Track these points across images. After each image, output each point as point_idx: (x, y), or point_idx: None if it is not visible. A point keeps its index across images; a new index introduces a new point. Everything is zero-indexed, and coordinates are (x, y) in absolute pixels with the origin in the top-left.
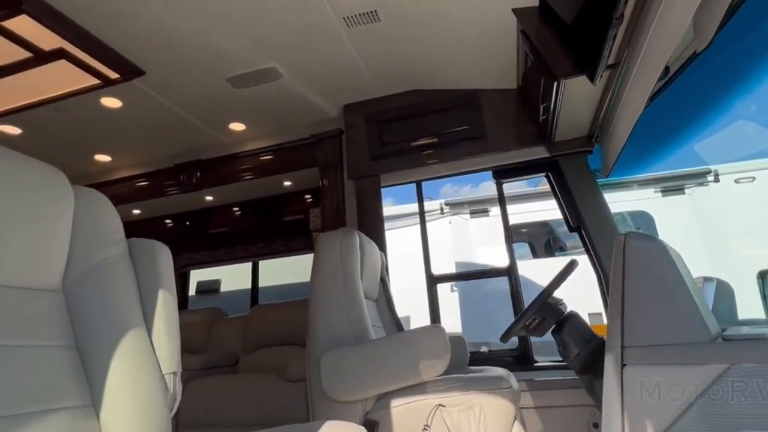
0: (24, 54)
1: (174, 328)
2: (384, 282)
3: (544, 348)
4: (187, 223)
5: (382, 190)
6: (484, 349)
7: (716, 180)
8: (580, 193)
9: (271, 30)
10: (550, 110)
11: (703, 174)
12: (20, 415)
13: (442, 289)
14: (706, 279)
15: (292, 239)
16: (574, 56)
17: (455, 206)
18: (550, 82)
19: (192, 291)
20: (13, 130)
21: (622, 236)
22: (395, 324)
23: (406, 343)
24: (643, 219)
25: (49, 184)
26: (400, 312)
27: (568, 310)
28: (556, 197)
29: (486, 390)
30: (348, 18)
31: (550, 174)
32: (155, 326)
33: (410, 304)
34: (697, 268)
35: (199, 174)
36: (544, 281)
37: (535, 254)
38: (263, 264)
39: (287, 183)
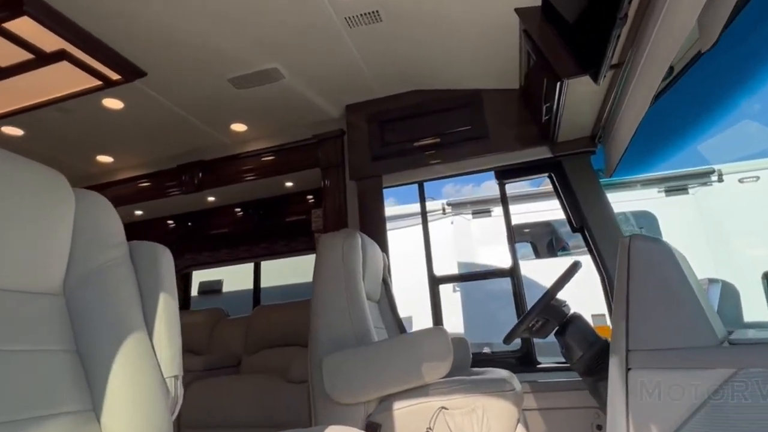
0: (26, 55)
1: (175, 331)
2: (386, 283)
3: (546, 348)
4: (189, 223)
5: (384, 190)
6: (486, 349)
7: (720, 180)
8: (583, 194)
9: (273, 31)
10: (553, 110)
11: (707, 174)
12: (19, 421)
13: (445, 289)
14: (711, 280)
15: (294, 240)
16: (578, 56)
17: (457, 206)
18: (553, 82)
19: (194, 291)
20: (16, 132)
21: (627, 238)
22: (397, 325)
23: (409, 346)
24: (647, 219)
25: (49, 187)
26: (402, 312)
27: (572, 311)
28: (559, 198)
29: (489, 392)
30: (349, 18)
31: (552, 174)
32: (156, 329)
33: (412, 304)
34: (701, 268)
35: (200, 175)
36: (545, 281)
37: (538, 254)
38: (265, 264)
39: (289, 184)
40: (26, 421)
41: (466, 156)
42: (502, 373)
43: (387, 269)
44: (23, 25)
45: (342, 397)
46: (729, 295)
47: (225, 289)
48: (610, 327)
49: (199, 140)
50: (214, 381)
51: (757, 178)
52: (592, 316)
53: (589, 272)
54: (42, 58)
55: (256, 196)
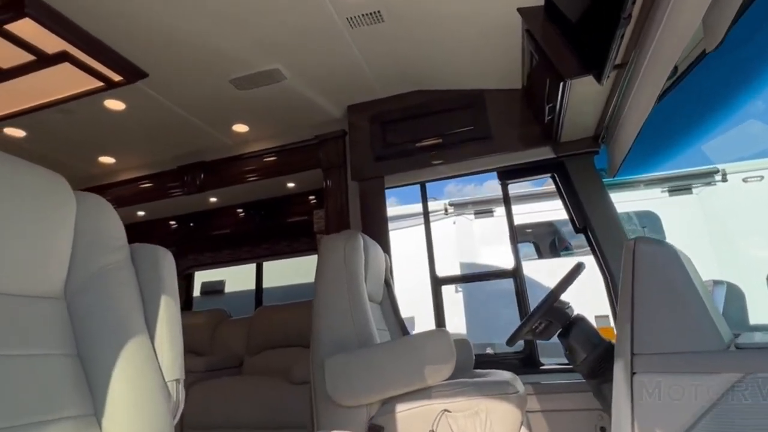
0: (28, 57)
1: (177, 334)
2: (388, 284)
3: (549, 348)
4: (191, 224)
5: (386, 190)
6: (489, 350)
7: (724, 179)
8: (586, 194)
9: (274, 31)
10: (556, 111)
11: (711, 173)
12: (20, 426)
13: (447, 289)
14: (716, 282)
15: (295, 240)
16: (581, 56)
17: (459, 206)
18: (556, 82)
19: (197, 292)
20: (18, 133)
21: (632, 241)
22: (400, 327)
23: (411, 348)
24: (650, 219)
25: (50, 190)
26: (405, 313)
27: (575, 313)
28: (562, 198)
29: (492, 395)
30: (351, 19)
31: (555, 175)
32: (158, 333)
33: (414, 304)
34: (705, 269)
35: (202, 175)
36: (548, 281)
37: (540, 254)
38: (267, 264)
39: (291, 184)
40: (27, 426)
41: (469, 156)
42: (505, 375)
43: (389, 270)
44: (25, 27)
45: (344, 399)
46: (734, 297)
47: (227, 289)
48: (614, 329)
49: (201, 141)
50: (216, 382)
51: (761, 177)
52: (596, 317)
53: (593, 273)
54: (44, 60)
55: (258, 196)
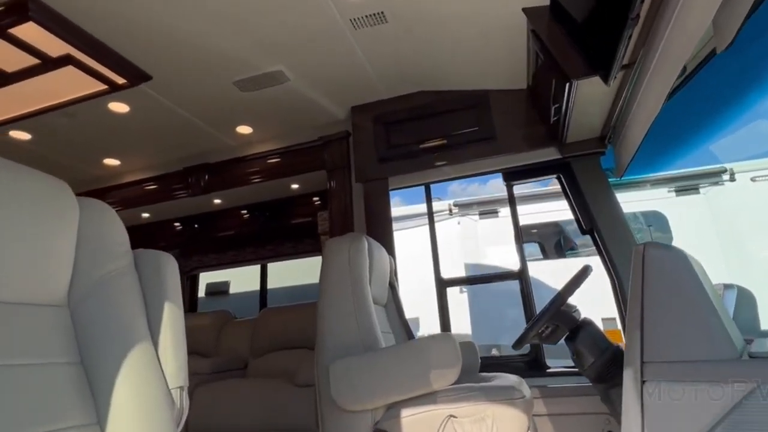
0: (32, 61)
1: (181, 341)
2: (393, 287)
3: (555, 349)
4: (196, 225)
5: (390, 191)
6: (495, 352)
7: (732, 179)
8: (592, 195)
9: (278, 33)
10: (562, 111)
11: (719, 173)
12: None
13: (451, 289)
14: (726, 286)
15: (300, 242)
16: (587, 56)
17: (464, 207)
18: (562, 82)
19: (201, 293)
20: (23, 136)
21: (642, 246)
22: (405, 329)
23: (416, 352)
24: (657, 219)
25: (53, 196)
26: (409, 314)
27: (582, 317)
28: (568, 199)
29: (499, 400)
30: (354, 20)
31: (561, 176)
32: (161, 340)
33: (419, 305)
34: (713, 270)
35: (207, 177)
36: (552, 281)
37: (546, 255)
38: (272, 265)
39: (295, 186)
40: None
41: (473, 157)
42: (511, 379)
43: (394, 272)
44: (29, 31)
45: (348, 403)
46: (745, 301)
47: (232, 290)
48: (621, 331)
49: (205, 143)
50: (221, 384)
51: None
52: (603, 319)
53: (599, 275)
54: (48, 63)
55: (262, 198)
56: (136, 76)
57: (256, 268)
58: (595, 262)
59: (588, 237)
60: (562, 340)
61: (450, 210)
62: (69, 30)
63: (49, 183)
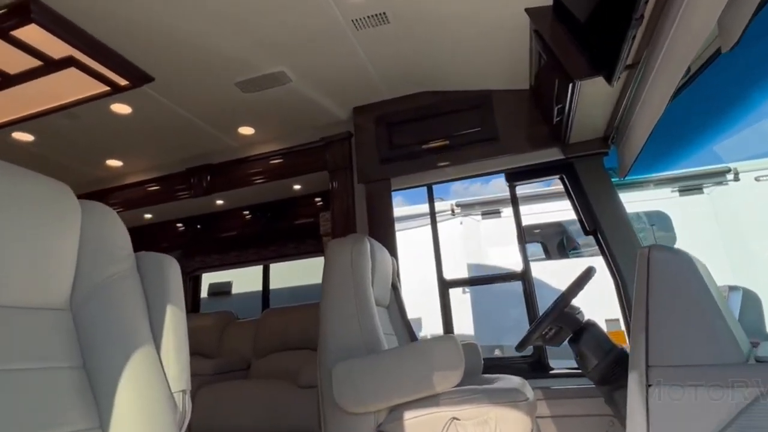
0: (34, 63)
1: (183, 344)
2: (395, 288)
3: (557, 350)
4: (199, 226)
5: (392, 192)
6: (497, 352)
7: (736, 179)
8: (595, 196)
9: (279, 34)
10: (565, 112)
11: (723, 173)
12: None
13: (454, 289)
14: (732, 288)
15: (302, 242)
16: (590, 57)
17: (466, 207)
18: (565, 83)
19: (204, 293)
20: (26, 137)
21: (646, 248)
22: (407, 331)
23: (419, 354)
24: (660, 218)
25: (55, 199)
26: (411, 314)
27: (586, 319)
28: (571, 200)
29: (502, 403)
30: (356, 20)
31: (564, 176)
32: (164, 343)
33: (421, 305)
34: (717, 270)
35: (209, 178)
36: (552, 280)
37: (548, 255)
38: (274, 265)
39: (297, 186)
40: None
41: (476, 158)
42: (514, 381)
43: (396, 274)
44: (31, 33)
45: (351, 406)
46: (750, 303)
47: (234, 290)
48: (624, 332)
49: (208, 144)
50: (223, 386)
51: None
52: (606, 321)
53: (603, 276)
54: (50, 65)
55: (265, 198)
56: (138, 77)
57: (258, 269)
58: (599, 261)
59: (590, 237)
60: (566, 342)
61: (452, 210)
62: (71, 32)
63: (51, 186)
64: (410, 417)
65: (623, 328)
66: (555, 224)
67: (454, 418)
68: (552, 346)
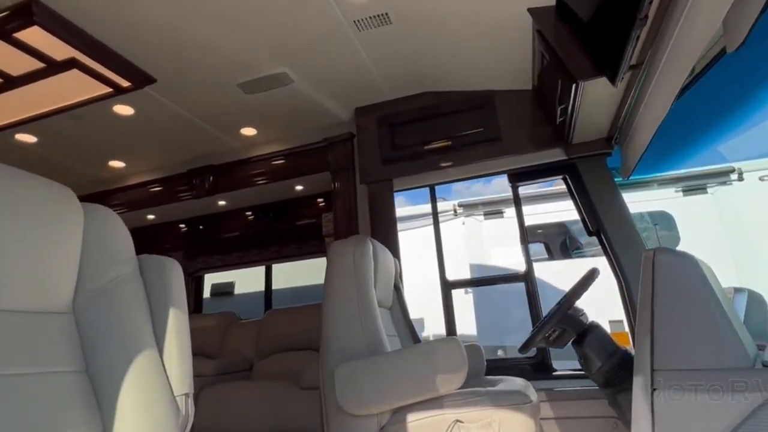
0: (37, 64)
1: (186, 347)
2: (398, 289)
3: (560, 350)
4: (201, 227)
5: (395, 192)
6: (500, 353)
7: (740, 178)
8: (599, 197)
9: (282, 35)
10: (568, 112)
11: (727, 172)
12: None
13: (456, 290)
14: (737, 290)
15: (304, 243)
16: (594, 57)
17: (469, 207)
18: (568, 83)
19: (207, 294)
20: (29, 138)
21: (651, 251)
22: (410, 332)
23: (422, 356)
24: (663, 218)
25: (57, 202)
26: (413, 314)
27: (590, 320)
28: (575, 201)
29: (505, 406)
30: (358, 21)
31: (567, 177)
32: (167, 346)
33: (423, 305)
34: (721, 270)
35: (211, 179)
36: (554, 280)
37: (551, 255)
38: (277, 265)
39: (299, 187)
40: None
41: (478, 159)
42: (518, 383)
43: (399, 275)
44: (34, 35)
45: (353, 408)
46: (756, 305)
47: (237, 291)
48: (629, 334)
49: (210, 145)
50: (226, 386)
51: None
52: (610, 322)
53: (607, 277)
54: (53, 67)
55: (267, 199)
56: (141, 78)
57: (260, 269)
58: (602, 262)
59: (593, 237)
60: (569, 344)
61: (455, 210)
62: (73, 33)
63: (54, 189)
64: (413, 419)
65: (627, 329)
66: (558, 224)
67: (458, 421)
68: (555, 348)
